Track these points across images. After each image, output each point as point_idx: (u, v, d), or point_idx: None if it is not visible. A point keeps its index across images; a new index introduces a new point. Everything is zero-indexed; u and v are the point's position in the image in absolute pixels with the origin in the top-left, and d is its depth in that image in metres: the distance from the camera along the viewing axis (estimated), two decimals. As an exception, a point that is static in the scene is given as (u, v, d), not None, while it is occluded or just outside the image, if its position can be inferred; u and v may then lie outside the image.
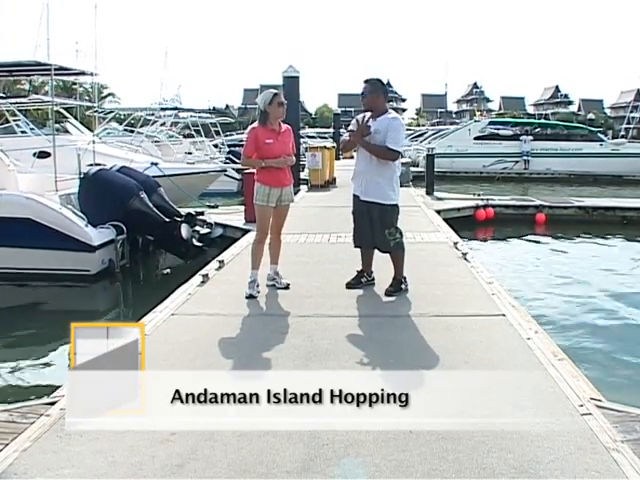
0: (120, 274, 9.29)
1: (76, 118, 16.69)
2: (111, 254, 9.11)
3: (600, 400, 3.46)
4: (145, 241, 9.98)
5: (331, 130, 33.16)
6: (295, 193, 7.04)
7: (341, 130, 24.28)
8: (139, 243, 9.92)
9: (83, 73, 12.41)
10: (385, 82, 5.89)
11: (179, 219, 9.67)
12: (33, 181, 10.17)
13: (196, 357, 4.09)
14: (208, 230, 10.14)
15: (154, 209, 9.56)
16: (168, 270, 9.18)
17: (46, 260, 8.73)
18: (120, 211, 9.28)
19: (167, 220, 9.50)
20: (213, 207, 12.36)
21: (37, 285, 8.79)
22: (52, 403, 3.44)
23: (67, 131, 14.84)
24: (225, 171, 16.31)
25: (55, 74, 11.31)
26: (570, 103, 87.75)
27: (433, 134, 34.49)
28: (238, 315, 5.02)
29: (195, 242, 9.62)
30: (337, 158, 18.15)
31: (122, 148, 15.50)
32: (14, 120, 14.98)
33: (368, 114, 5.43)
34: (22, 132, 14.63)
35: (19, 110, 15.13)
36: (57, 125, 15.04)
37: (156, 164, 12.91)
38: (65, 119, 15.87)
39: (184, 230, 9.45)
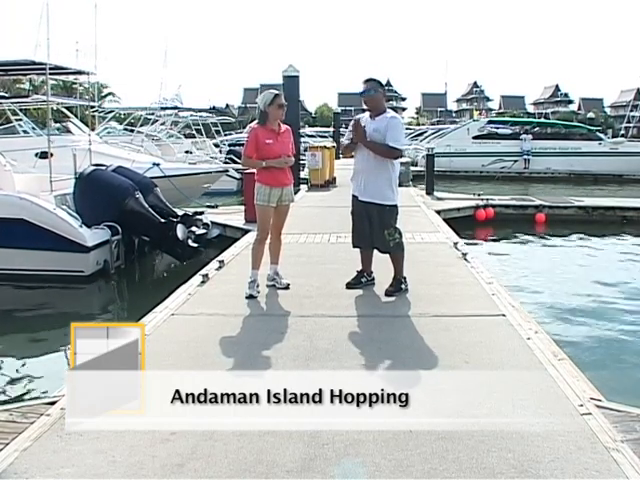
0: (115, 275, 9.24)
1: (77, 117, 16.68)
2: (106, 255, 9.03)
3: (600, 400, 3.46)
4: (140, 242, 9.89)
5: (331, 129, 33.11)
6: (295, 193, 7.03)
7: (341, 129, 24.25)
8: (134, 244, 9.82)
9: (80, 72, 12.35)
10: (385, 81, 5.91)
11: (175, 220, 9.57)
12: (30, 181, 10.09)
13: (196, 357, 4.09)
14: (204, 231, 10.09)
15: (150, 209, 9.47)
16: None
17: (40, 261, 8.66)
18: (115, 211, 9.19)
19: (163, 221, 9.41)
20: (213, 207, 12.30)
21: (31, 286, 8.68)
22: (52, 403, 3.44)
23: (69, 131, 14.80)
24: (227, 171, 16.28)
25: (51, 73, 11.26)
26: (570, 102, 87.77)
27: (433, 133, 34.45)
28: (238, 315, 5.02)
29: (191, 243, 9.50)
30: (337, 158, 18.12)
31: (124, 148, 15.47)
32: (16, 120, 14.96)
33: (366, 115, 5.45)
34: (24, 132, 14.61)
35: (19, 109, 15.12)
36: (59, 125, 15.04)
37: (158, 164, 12.86)
38: (67, 119, 15.85)
39: (180, 231, 9.34)
